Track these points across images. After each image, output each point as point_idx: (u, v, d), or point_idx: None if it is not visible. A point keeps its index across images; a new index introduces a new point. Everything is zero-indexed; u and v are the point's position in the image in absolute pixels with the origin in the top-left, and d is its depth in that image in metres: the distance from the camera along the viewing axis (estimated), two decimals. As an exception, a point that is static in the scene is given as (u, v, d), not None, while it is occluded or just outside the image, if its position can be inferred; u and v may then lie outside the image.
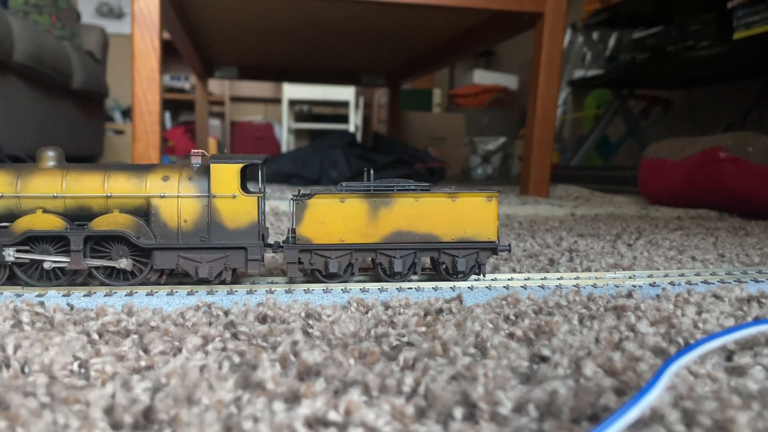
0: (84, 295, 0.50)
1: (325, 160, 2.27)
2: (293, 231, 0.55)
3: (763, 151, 1.31)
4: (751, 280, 0.60)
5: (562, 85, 2.76)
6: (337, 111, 4.41)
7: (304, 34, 2.27)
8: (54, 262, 0.52)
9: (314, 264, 0.55)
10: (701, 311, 0.46)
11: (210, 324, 0.43)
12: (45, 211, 0.53)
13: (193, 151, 0.55)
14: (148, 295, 0.51)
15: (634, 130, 2.58)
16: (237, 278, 0.58)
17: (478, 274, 0.58)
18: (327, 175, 2.23)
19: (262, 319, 0.45)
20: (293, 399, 0.29)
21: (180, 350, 0.38)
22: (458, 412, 0.28)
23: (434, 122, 3.65)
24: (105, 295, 0.50)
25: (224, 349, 0.38)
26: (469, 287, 0.55)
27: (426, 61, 2.71)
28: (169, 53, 2.13)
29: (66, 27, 3.07)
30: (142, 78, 1.63)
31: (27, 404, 0.27)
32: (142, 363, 0.35)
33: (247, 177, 0.57)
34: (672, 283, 0.57)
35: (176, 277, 0.58)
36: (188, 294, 0.52)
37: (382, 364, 0.34)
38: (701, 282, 0.58)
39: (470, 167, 3.40)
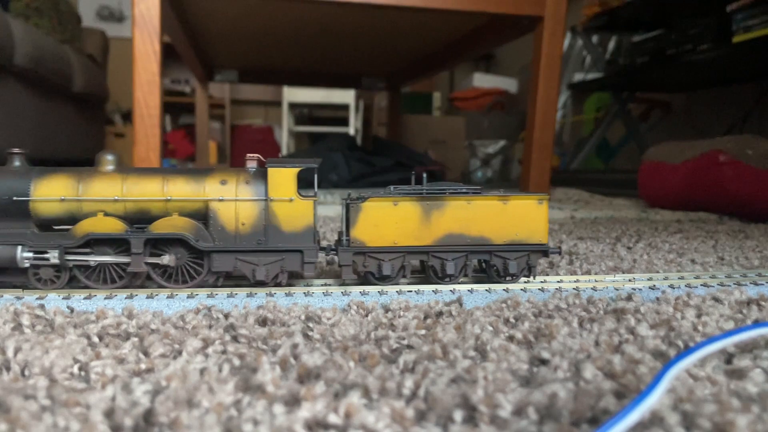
0: (84, 298, 0.50)
1: (325, 163, 2.27)
2: (347, 234, 0.56)
3: (762, 154, 1.31)
4: (750, 283, 0.60)
5: (561, 89, 2.76)
6: (337, 114, 4.41)
7: (305, 38, 2.27)
8: (112, 263, 0.53)
9: (367, 267, 0.56)
10: (701, 314, 0.46)
11: (210, 327, 0.43)
12: (106, 214, 0.53)
13: (248, 155, 0.56)
14: (148, 298, 0.51)
15: (634, 133, 2.58)
16: (289, 281, 0.59)
17: (528, 276, 0.59)
18: (327, 179, 2.23)
19: (262, 321, 0.45)
20: (293, 402, 0.29)
21: (180, 353, 0.38)
22: (458, 415, 0.28)
23: (434, 125, 3.66)
24: (105, 298, 0.50)
25: (224, 351, 0.38)
26: (468, 290, 0.55)
27: (426, 64, 2.72)
28: (169, 56, 2.14)
29: (66, 30, 3.07)
30: (142, 81, 1.63)
31: (27, 407, 0.27)
32: (143, 366, 0.35)
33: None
34: (672, 286, 0.57)
35: (232, 280, 0.59)
36: (188, 297, 0.52)
37: (382, 366, 0.34)
38: (701, 285, 0.58)
39: (470, 170, 3.40)
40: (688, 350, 0.32)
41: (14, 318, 0.43)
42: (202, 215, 0.54)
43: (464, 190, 0.57)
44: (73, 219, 0.54)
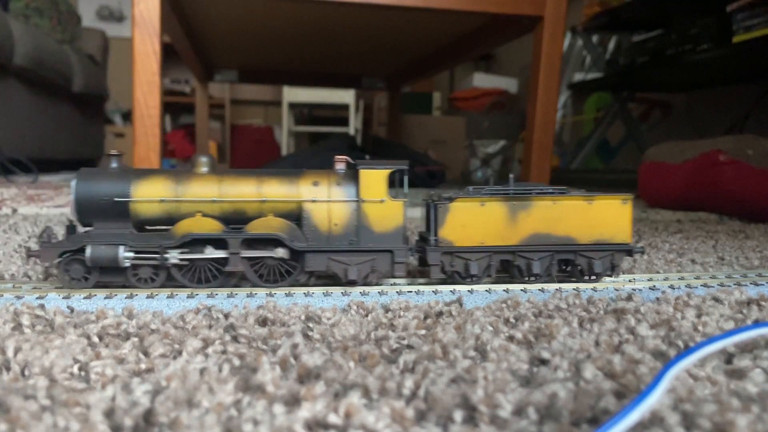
0: (84, 298, 0.50)
1: (325, 163, 2.27)
2: (435, 234, 0.56)
3: (762, 154, 1.31)
4: (750, 283, 0.60)
5: (561, 89, 2.76)
6: (337, 114, 4.41)
7: (305, 38, 2.27)
8: (211, 262, 0.54)
9: (455, 266, 0.57)
10: (701, 314, 0.46)
11: (210, 327, 0.43)
12: (203, 215, 0.54)
13: (337, 157, 0.57)
14: (148, 297, 0.51)
15: (634, 133, 2.58)
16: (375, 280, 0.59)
17: (610, 276, 0.59)
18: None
19: (262, 322, 0.45)
20: (293, 402, 0.29)
21: (180, 353, 0.38)
22: (458, 415, 0.28)
23: (434, 125, 3.66)
24: (105, 298, 0.50)
25: (224, 351, 0.38)
26: (469, 291, 0.55)
27: (426, 64, 2.72)
28: (169, 56, 2.13)
29: (66, 30, 3.07)
30: (142, 81, 1.63)
31: (27, 407, 0.27)
32: (143, 366, 0.35)
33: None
34: (672, 287, 0.57)
35: (322, 279, 0.59)
36: (188, 297, 0.52)
37: (382, 366, 0.34)
38: (701, 285, 0.58)
39: (470, 170, 3.40)
40: (688, 350, 0.32)
41: (14, 318, 0.43)
42: (295, 216, 0.56)
43: (550, 191, 0.58)
44: (170, 220, 0.55)
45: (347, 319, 0.46)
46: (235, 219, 0.55)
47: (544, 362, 0.36)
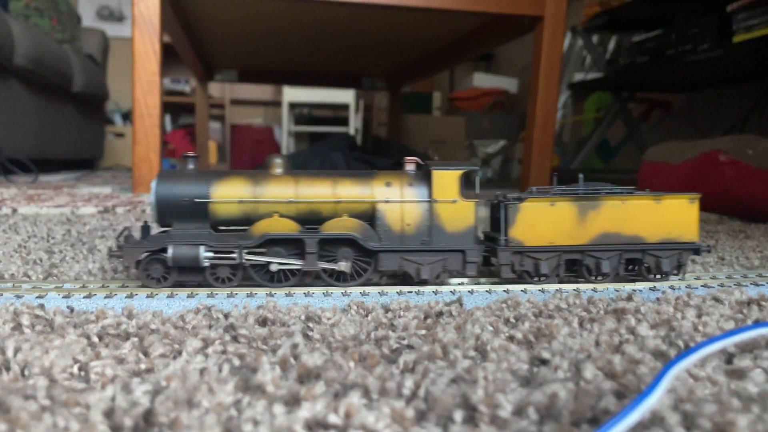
0: (84, 297, 0.50)
1: (325, 163, 2.27)
2: (505, 233, 0.57)
3: (763, 154, 1.31)
4: (751, 283, 0.60)
5: (561, 88, 2.76)
6: (337, 114, 4.41)
7: (304, 38, 2.27)
8: (282, 264, 0.55)
9: (524, 265, 0.57)
10: (701, 314, 0.46)
11: (210, 327, 0.43)
12: (280, 215, 0.55)
13: (407, 158, 0.58)
14: (148, 297, 0.51)
15: (634, 133, 2.58)
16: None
17: (677, 275, 0.60)
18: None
19: (262, 322, 0.45)
20: (293, 402, 0.29)
21: (180, 353, 0.38)
22: (458, 415, 0.28)
23: (434, 125, 3.66)
24: (105, 297, 0.50)
25: (224, 351, 0.38)
26: (469, 291, 0.55)
27: (426, 64, 2.72)
28: (169, 56, 2.13)
29: (66, 30, 3.07)
30: (142, 81, 1.63)
31: (27, 407, 0.27)
32: (142, 366, 0.35)
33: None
34: (672, 287, 0.57)
35: (394, 278, 0.60)
36: (188, 297, 0.52)
37: (382, 366, 0.34)
38: (701, 286, 0.58)
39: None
40: (688, 350, 0.32)
41: (14, 318, 0.43)
42: (368, 216, 0.56)
43: (619, 190, 0.58)
44: (248, 220, 0.56)
45: (347, 319, 0.46)
46: (309, 219, 0.56)
47: (544, 362, 0.36)
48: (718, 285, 0.58)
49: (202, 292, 0.53)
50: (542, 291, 0.55)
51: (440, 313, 0.47)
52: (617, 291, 0.56)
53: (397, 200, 0.56)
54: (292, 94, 3.94)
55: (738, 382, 0.33)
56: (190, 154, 0.57)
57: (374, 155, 2.47)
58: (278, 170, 0.57)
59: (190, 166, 0.56)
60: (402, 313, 0.47)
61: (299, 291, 0.54)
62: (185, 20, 2.05)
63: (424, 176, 0.57)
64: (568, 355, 0.37)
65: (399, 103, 3.44)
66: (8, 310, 0.44)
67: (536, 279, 0.58)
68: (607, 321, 0.44)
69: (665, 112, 2.70)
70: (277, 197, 0.55)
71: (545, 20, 1.69)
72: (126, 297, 0.51)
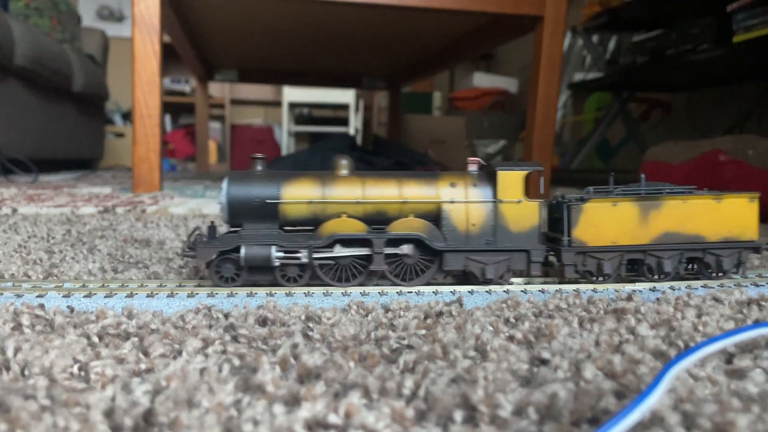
0: (84, 296, 0.50)
1: (325, 162, 2.27)
2: (568, 234, 0.58)
3: (763, 154, 1.31)
4: (751, 284, 0.60)
5: (562, 88, 2.76)
6: (337, 114, 4.41)
7: (305, 38, 2.27)
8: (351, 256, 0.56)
9: (587, 266, 0.58)
10: (701, 314, 0.46)
11: (210, 327, 0.43)
12: (348, 215, 0.56)
13: (469, 159, 0.59)
14: (148, 297, 0.51)
15: (634, 133, 2.59)
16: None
17: (736, 273, 0.60)
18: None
19: (262, 321, 0.45)
20: (293, 402, 0.29)
21: (180, 353, 0.38)
22: (458, 415, 0.28)
23: (434, 125, 3.66)
24: (105, 297, 0.50)
25: (224, 351, 0.38)
26: (469, 291, 0.55)
27: (426, 64, 2.72)
28: (169, 56, 2.13)
29: (66, 30, 3.07)
30: (142, 81, 1.63)
31: (27, 407, 0.27)
32: (142, 366, 0.35)
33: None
34: (672, 288, 0.57)
35: (456, 277, 0.60)
36: (188, 296, 0.52)
37: (382, 366, 0.34)
38: (701, 286, 0.58)
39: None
40: (688, 350, 0.32)
41: (14, 318, 0.43)
42: (433, 216, 0.57)
43: (680, 190, 0.59)
44: (316, 220, 0.56)
45: (347, 319, 0.46)
46: (375, 219, 0.57)
47: (544, 362, 0.36)
48: (718, 285, 0.58)
49: (202, 291, 0.53)
50: (542, 291, 0.56)
51: (440, 313, 0.47)
52: (617, 291, 0.56)
53: (461, 200, 0.57)
54: (292, 94, 3.94)
55: (738, 382, 0.33)
56: (259, 155, 0.57)
57: (374, 155, 2.47)
58: (344, 171, 0.58)
59: (258, 168, 0.57)
60: (402, 313, 0.47)
61: (299, 291, 0.54)
62: (185, 20, 2.05)
63: (487, 177, 0.58)
64: (568, 355, 0.37)
65: (399, 103, 3.45)
66: (8, 310, 0.44)
67: (599, 279, 0.59)
68: (607, 321, 0.44)
69: (665, 112, 2.70)
70: (345, 198, 0.56)
71: (545, 20, 1.69)
72: (126, 296, 0.51)
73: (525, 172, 0.57)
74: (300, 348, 0.37)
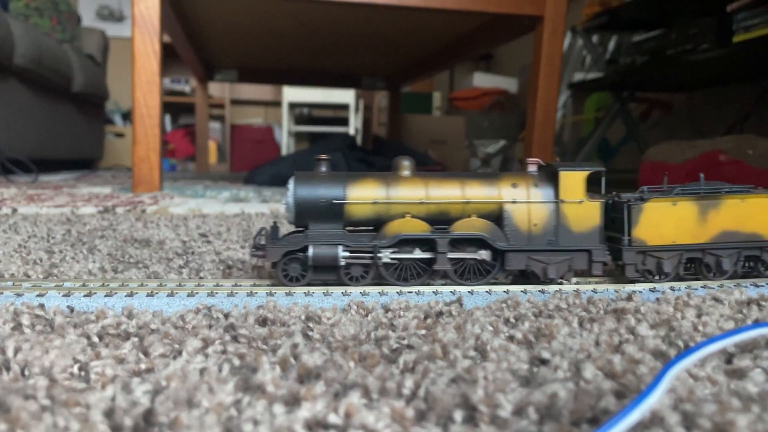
0: (84, 296, 0.50)
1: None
2: (628, 233, 0.58)
3: (763, 154, 1.31)
4: (750, 284, 0.60)
5: (561, 88, 2.76)
6: (337, 114, 4.41)
7: (304, 38, 2.27)
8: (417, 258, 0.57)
9: (647, 265, 0.58)
10: (701, 314, 0.46)
11: (210, 327, 0.43)
12: (412, 216, 0.56)
13: (528, 159, 0.59)
14: (148, 296, 0.51)
15: (634, 133, 2.58)
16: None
17: None
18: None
19: (262, 321, 0.45)
20: (293, 402, 0.29)
21: (180, 353, 0.38)
22: (458, 415, 0.28)
23: (434, 125, 3.66)
24: (105, 296, 0.50)
25: (224, 351, 0.38)
26: (469, 291, 0.55)
27: (426, 64, 2.72)
28: (169, 56, 2.13)
29: (66, 30, 3.07)
30: (142, 81, 1.63)
31: (27, 407, 0.27)
32: (143, 366, 0.35)
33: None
34: (672, 288, 0.57)
35: (517, 277, 0.61)
36: (188, 295, 0.52)
37: (382, 366, 0.34)
38: (701, 287, 0.58)
39: (470, 170, 3.40)
40: (688, 350, 0.32)
41: (14, 318, 0.43)
42: (495, 217, 0.58)
43: (738, 189, 0.59)
44: (379, 221, 0.57)
45: (347, 319, 0.46)
46: (438, 220, 0.57)
47: (544, 362, 0.36)
48: (718, 285, 0.58)
49: (202, 291, 0.53)
50: (542, 291, 0.56)
51: (440, 313, 0.47)
52: (617, 291, 0.56)
53: (523, 201, 0.57)
54: (292, 94, 3.94)
55: (738, 382, 0.33)
56: (323, 157, 0.58)
57: (374, 155, 2.47)
58: (406, 172, 0.58)
59: (323, 169, 0.58)
60: (402, 313, 0.47)
61: (299, 291, 0.54)
62: (185, 20, 2.05)
63: (548, 177, 0.58)
64: (568, 355, 0.37)
65: (399, 103, 3.45)
66: (8, 310, 0.44)
67: (658, 278, 0.59)
68: (606, 321, 0.44)
69: (665, 112, 2.70)
70: (408, 198, 0.56)
71: (545, 20, 1.69)
72: (126, 296, 0.51)
73: (587, 173, 0.57)
74: (300, 348, 0.37)
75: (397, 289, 0.55)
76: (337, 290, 0.54)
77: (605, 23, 2.38)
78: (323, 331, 0.42)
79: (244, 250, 0.77)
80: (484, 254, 0.56)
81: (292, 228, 0.59)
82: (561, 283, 0.58)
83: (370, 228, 0.58)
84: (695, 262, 0.60)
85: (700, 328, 0.43)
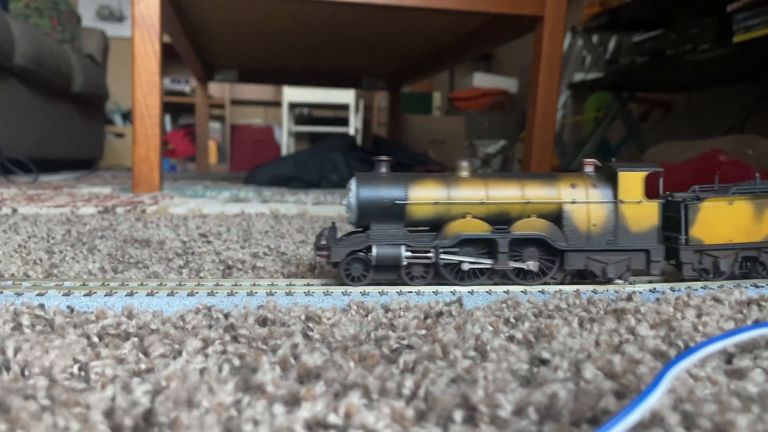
0: (84, 295, 0.50)
1: (325, 163, 2.27)
2: (685, 233, 0.59)
3: (763, 154, 1.31)
4: (750, 285, 0.60)
5: (561, 88, 2.76)
6: (337, 114, 4.41)
7: (305, 38, 2.27)
8: (472, 263, 0.57)
9: (703, 264, 0.59)
10: (701, 314, 0.46)
11: (210, 327, 0.43)
12: (472, 216, 0.57)
13: (585, 160, 0.60)
14: (148, 295, 0.51)
15: (634, 133, 2.58)
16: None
17: None
18: (327, 179, 2.23)
19: (262, 322, 0.45)
20: (293, 402, 0.29)
21: (180, 353, 0.38)
22: (458, 415, 0.28)
23: (434, 125, 3.66)
24: (105, 295, 0.50)
25: (224, 351, 0.38)
26: (469, 291, 0.55)
27: (426, 64, 2.72)
28: (169, 56, 2.13)
29: (66, 30, 3.07)
30: (142, 81, 1.63)
31: (27, 407, 0.27)
32: (142, 366, 0.35)
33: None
34: (672, 289, 0.57)
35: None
36: (188, 295, 0.52)
37: (382, 367, 0.34)
38: (701, 287, 0.58)
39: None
40: (688, 350, 0.32)
41: (14, 318, 0.43)
42: (554, 217, 0.58)
43: None
44: (440, 221, 0.57)
45: (347, 319, 0.46)
46: (497, 220, 0.58)
47: (544, 362, 0.36)
48: (718, 285, 0.58)
49: (202, 290, 0.53)
50: (542, 292, 0.56)
51: (440, 313, 0.47)
52: (617, 292, 0.56)
53: (582, 201, 0.58)
54: (292, 94, 3.94)
55: (738, 382, 0.33)
56: (384, 158, 0.59)
57: (374, 155, 2.47)
58: (465, 173, 0.59)
59: (383, 170, 0.58)
60: (402, 313, 0.47)
61: (299, 291, 0.54)
62: (185, 20, 2.05)
63: (606, 177, 0.59)
64: (568, 355, 0.37)
65: (399, 103, 3.45)
66: (8, 310, 0.44)
67: (713, 276, 0.60)
68: (606, 321, 0.44)
69: (665, 113, 2.70)
70: (469, 199, 0.57)
71: (545, 20, 1.69)
72: (126, 295, 0.51)
73: (645, 173, 0.58)
74: (300, 348, 0.37)
75: (397, 289, 0.55)
76: (337, 290, 0.54)
77: (605, 23, 2.38)
78: (323, 331, 0.42)
79: (244, 250, 0.77)
80: (531, 265, 0.57)
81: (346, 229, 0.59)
82: (618, 283, 0.59)
83: (427, 228, 0.59)
84: (750, 261, 0.61)
85: (700, 328, 0.43)
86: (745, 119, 2.14)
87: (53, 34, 2.95)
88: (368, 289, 0.55)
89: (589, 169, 0.60)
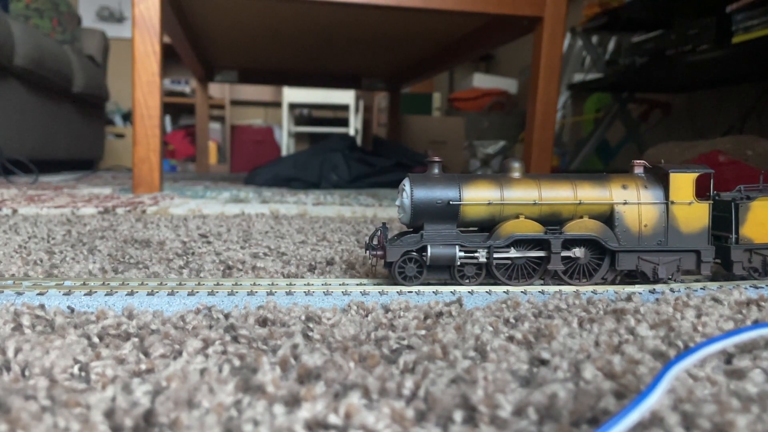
0: (84, 295, 0.50)
1: (325, 163, 2.27)
2: (736, 232, 0.59)
3: (762, 154, 1.32)
4: (750, 286, 0.60)
5: (561, 89, 2.76)
6: (337, 115, 4.41)
7: (305, 38, 2.28)
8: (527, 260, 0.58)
9: (752, 262, 0.60)
10: (701, 314, 0.46)
11: (210, 327, 0.43)
12: (525, 217, 0.57)
13: (635, 161, 0.60)
14: (149, 295, 0.51)
15: (634, 134, 2.59)
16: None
17: None
18: (327, 179, 2.23)
19: (263, 322, 0.45)
20: (293, 402, 0.29)
21: (180, 353, 0.38)
22: (458, 416, 0.28)
23: (434, 126, 3.66)
24: (105, 295, 0.51)
25: (224, 352, 0.38)
26: (468, 291, 0.55)
27: (426, 64, 2.72)
28: (169, 57, 2.14)
29: (67, 31, 3.07)
30: (142, 82, 1.63)
31: (28, 407, 0.27)
32: (143, 366, 0.35)
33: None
34: (672, 289, 0.57)
35: (625, 278, 0.61)
36: (189, 294, 0.52)
37: (382, 367, 0.34)
38: (700, 288, 0.58)
39: (470, 170, 3.40)
40: (688, 351, 0.32)
41: (14, 318, 0.43)
42: (606, 217, 0.59)
43: None
44: (492, 221, 0.58)
45: (347, 319, 0.46)
46: (549, 220, 0.58)
47: (544, 362, 0.36)
48: (718, 286, 0.58)
49: (202, 290, 0.53)
50: (542, 292, 0.56)
51: (440, 314, 0.47)
52: (617, 292, 0.56)
53: (634, 202, 0.58)
54: (292, 94, 3.94)
55: (737, 382, 0.33)
56: (436, 159, 0.59)
57: (374, 156, 2.47)
58: (516, 174, 0.59)
59: (435, 171, 0.59)
60: (402, 313, 0.47)
61: (299, 291, 0.54)
62: (185, 20, 2.05)
63: (656, 178, 0.59)
64: (568, 355, 0.37)
65: (399, 104, 3.45)
66: (9, 311, 0.44)
67: (762, 275, 0.60)
68: (606, 321, 0.44)
69: (664, 113, 2.70)
70: (522, 200, 0.57)
71: (545, 21, 1.70)
72: (126, 294, 0.51)
73: (696, 174, 0.58)
74: (300, 348, 0.37)
75: (398, 288, 0.55)
76: (338, 290, 0.54)
77: (605, 24, 2.38)
78: (323, 332, 0.42)
79: (244, 251, 0.77)
80: (578, 252, 0.57)
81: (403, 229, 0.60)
82: (667, 283, 0.59)
83: (477, 228, 0.60)
84: None
85: (700, 328, 0.43)
86: (745, 120, 2.14)
87: (53, 35, 2.95)
88: (368, 289, 0.55)
89: (638, 170, 0.60)
